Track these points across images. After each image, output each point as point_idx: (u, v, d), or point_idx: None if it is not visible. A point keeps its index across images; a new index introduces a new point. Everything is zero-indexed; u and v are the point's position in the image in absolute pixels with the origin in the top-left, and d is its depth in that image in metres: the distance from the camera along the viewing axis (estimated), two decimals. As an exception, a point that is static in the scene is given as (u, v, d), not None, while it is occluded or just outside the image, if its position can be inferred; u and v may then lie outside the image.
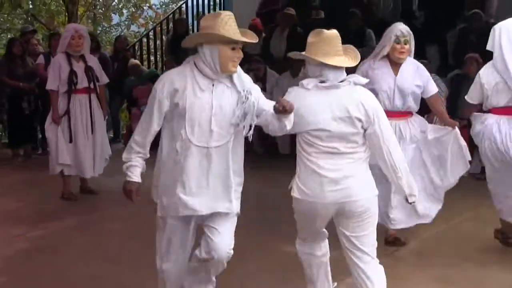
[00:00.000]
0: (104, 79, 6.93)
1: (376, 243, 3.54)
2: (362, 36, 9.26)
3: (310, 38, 3.59)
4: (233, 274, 4.56)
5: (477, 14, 8.48)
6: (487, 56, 7.85)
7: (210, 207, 3.39)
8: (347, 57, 3.56)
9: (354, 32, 9.29)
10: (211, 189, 3.37)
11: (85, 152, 6.61)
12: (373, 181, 3.50)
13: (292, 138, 8.55)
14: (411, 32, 4.85)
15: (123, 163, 3.48)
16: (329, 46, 3.47)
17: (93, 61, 6.84)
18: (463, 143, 4.92)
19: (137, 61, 10.75)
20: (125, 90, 10.16)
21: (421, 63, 7.87)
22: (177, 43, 10.70)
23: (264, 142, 8.86)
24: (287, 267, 4.63)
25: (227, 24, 3.27)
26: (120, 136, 10.52)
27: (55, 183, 6.78)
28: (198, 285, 3.61)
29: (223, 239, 3.42)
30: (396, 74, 4.84)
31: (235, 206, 3.48)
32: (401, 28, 4.81)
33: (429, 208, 4.99)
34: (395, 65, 4.86)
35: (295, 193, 3.49)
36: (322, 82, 3.48)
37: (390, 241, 5.00)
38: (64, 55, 6.61)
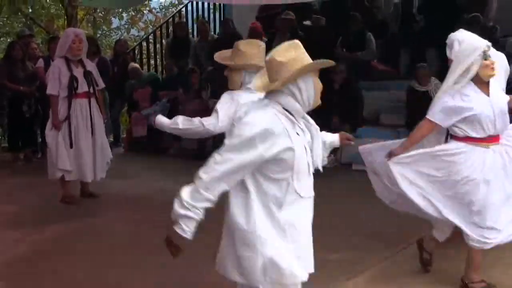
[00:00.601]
0: (101, 83, 6.90)
1: None
2: (363, 39, 9.29)
3: None
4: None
5: (477, 18, 8.49)
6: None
7: None
8: None
9: (355, 35, 9.32)
10: None
11: (86, 156, 6.61)
12: None
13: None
14: None
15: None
16: None
17: (91, 66, 6.85)
18: None
19: (137, 65, 10.76)
20: (126, 93, 10.17)
21: (420, 67, 8.02)
22: (177, 47, 10.80)
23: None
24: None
25: (303, 51, 2.94)
26: (120, 140, 10.52)
27: (56, 187, 6.77)
28: None
29: None
30: (488, 94, 4.24)
31: None
32: (485, 42, 4.34)
33: None
34: (482, 84, 4.25)
35: None
36: None
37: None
38: (63, 60, 6.58)
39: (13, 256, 5.14)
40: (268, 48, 10.91)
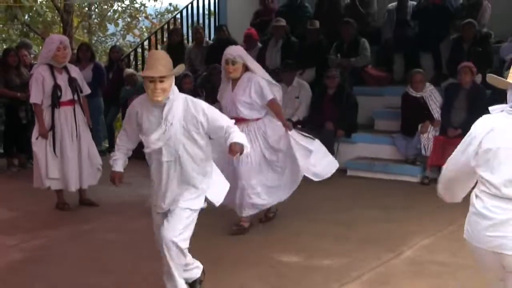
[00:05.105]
0: (86, 89, 6.80)
1: None
2: (357, 45, 9.31)
3: None
4: (228, 282, 4.57)
5: (471, 24, 8.52)
6: (481, 65, 7.96)
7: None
8: None
9: (349, 41, 9.34)
10: None
11: (71, 165, 6.53)
12: None
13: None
14: None
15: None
16: None
17: (75, 72, 6.72)
18: None
19: (133, 71, 10.76)
20: (121, 99, 10.16)
21: (416, 72, 8.04)
22: (172, 52, 10.80)
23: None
24: (283, 276, 4.64)
25: None
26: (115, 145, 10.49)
27: (50, 193, 6.76)
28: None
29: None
30: None
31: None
32: None
33: None
34: None
35: None
36: None
37: None
38: (46, 67, 6.47)
39: (6, 262, 5.13)
40: (262, 54, 10.96)
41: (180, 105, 3.86)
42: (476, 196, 2.99)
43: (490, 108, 3.02)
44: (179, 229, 3.86)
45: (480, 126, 2.93)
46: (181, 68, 3.94)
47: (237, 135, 3.87)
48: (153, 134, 3.86)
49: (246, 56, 5.70)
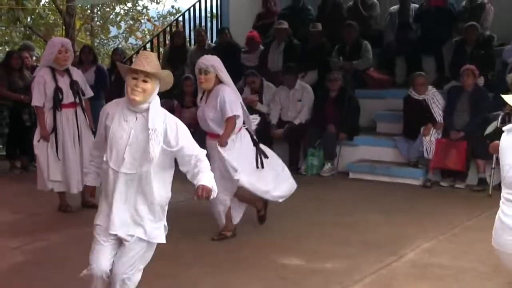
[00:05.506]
0: (88, 92, 6.81)
1: None
2: (359, 48, 9.31)
3: None
4: (228, 284, 4.57)
5: (473, 27, 8.52)
6: (483, 68, 7.96)
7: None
8: None
9: (351, 44, 9.35)
10: None
11: (73, 167, 6.53)
12: None
13: (291, 151, 8.64)
14: None
15: None
16: None
17: (77, 75, 6.73)
18: None
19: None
20: (123, 102, 10.17)
21: (418, 75, 8.04)
22: (174, 55, 10.83)
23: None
24: (285, 279, 4.63)
25: None
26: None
27: (52, 196, 6.76)
28: None
29: None
30: None
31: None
32: None
33: None
34: None
35: None
36: None
37: None
38: (48, 69, 6.48)
39: (8, 265, 5.12)
40: (264, 57, 10.95)
41: (159, 117, 3.57)
42: (502, 203, 3.14)
43: (504, 128, 3.20)
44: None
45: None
46: (167, 74, 3.67)
47: (206, 175, 3.55)
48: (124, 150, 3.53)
49: (220, 67, 5.37)
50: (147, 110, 3.55)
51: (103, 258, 3.68)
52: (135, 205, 3.59)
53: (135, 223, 3.61)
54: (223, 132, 5.38)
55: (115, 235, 3.63)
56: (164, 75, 3.64)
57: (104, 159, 3.59)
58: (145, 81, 3.53)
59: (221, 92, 5.32)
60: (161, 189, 3.63)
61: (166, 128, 3.55)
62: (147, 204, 3.60)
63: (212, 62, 5.34)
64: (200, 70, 5.37)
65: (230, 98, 5.33)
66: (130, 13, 21.08)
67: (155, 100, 3.61)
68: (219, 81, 5.36)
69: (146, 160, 3.49)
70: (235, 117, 5.36)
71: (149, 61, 3.57)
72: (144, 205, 3.60)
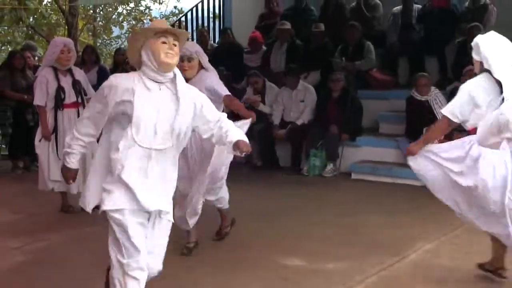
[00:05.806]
0: (91, 92, 6.78)
1: None
2: (362, 49, 9.30)
3: None
4: (229, 284, 4.55)
5: (476, 27, 8.49)
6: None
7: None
8: None
9: (354, 44, 9.33)
10: None
11: None
12: None
13: (293, 152, 8.64)
14: None
15: None
16: None
17: (80, 74, 6.74)
18: None
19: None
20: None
21: (421, 75, 8.02)
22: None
23: (264, 154, 8.85)
24: (286, 279, 4.62)
25: None
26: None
27: (53, 196, 6.76)
28: None
29: None
30: None
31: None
32: None
33: None
34: None
35: None
36: None
37: None
38: (50, 69, 6.49)
39: (8, 265, 5.11)
40: (266, 57, 10.90)
41: (184, 85, 3.47)
42: None
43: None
44: None
45: None
46: (187, 35, 3.54)
47: (238, 131, 3.59)
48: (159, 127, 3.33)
49: (202, 52, 5.14)
50: (173, 78, 3.40)
51: (143, 245, 3.40)
52: (161, 182, 3.41)
53: (163, 201, 3.44)
54: (240, 111, 5.10)
55: (149, 214, 3.41)
56: (185, 37, 3.53)
57: (128, 136, 3.28)
58: (174, 44, 3.37)
59: (207, 79, 5.02)
60: (175, 168, 3.51)
61: (193, 95, 3.49)
62: (166, 183, 3.45)
63: (196, 48, 5.12)
64: (182, 57, 4.95)
65: (217, 80, 5.13)
66: (132, 13, 21.12)
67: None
68: (200, 67, 5.13)
69: (173, 134, 3.36)
70: (231, 95, 5.17)
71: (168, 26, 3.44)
72: (165, 184, 3.44)
